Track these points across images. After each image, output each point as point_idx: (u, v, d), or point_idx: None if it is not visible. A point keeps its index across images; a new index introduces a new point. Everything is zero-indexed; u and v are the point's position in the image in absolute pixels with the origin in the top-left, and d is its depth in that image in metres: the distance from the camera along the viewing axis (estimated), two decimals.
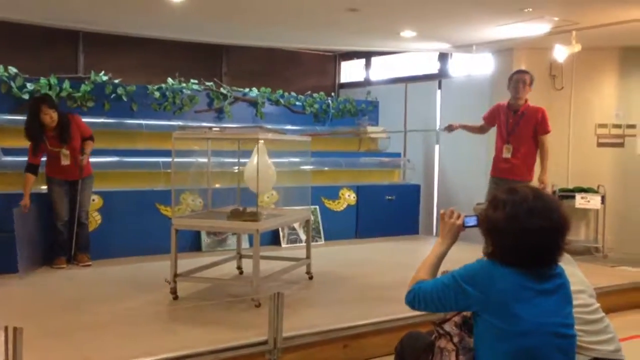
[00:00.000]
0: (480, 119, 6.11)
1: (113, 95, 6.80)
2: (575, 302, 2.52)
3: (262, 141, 4.65)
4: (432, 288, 2.16)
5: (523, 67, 6.26)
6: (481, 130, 6.14)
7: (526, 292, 2.03)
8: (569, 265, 2.68)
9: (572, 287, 2.55)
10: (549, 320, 2.04)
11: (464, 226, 2.35)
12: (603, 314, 2.61)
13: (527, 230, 2.04)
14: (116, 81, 6.89)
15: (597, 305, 2.62)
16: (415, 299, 2.20)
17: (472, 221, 2.33)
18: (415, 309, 2.23)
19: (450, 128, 6.15)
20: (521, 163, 5.68)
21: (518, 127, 5.67)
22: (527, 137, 5.68)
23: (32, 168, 5.43)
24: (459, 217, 2.36)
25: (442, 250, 2.34)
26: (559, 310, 2.09)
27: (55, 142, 5.55)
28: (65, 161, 5.57)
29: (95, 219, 5.95)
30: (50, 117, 5.47)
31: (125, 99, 6.87)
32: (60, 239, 5.58)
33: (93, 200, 5.90)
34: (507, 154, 5.68)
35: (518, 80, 5.65)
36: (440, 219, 2.42)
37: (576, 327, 2.47)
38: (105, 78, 6.84)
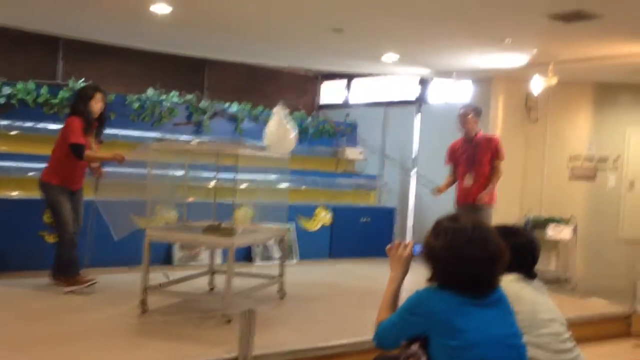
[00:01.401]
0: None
1: None
2: (546, 330, 2.55)
3: (280, 105, 4.69)
4: (388, 327, 2.28)
5: (500, 97, 6.44)
6: (454, 177, 6.35)
7: (465, 307, 2.11)
8: (541, 294, 2.70)
9: (543, 316, 2.59)
10: (495, 331, 2.12)
11: (414, 254, 2.39)
12: (574, 344, 2.63)
13: (464, 259, 2.12)
14: None
15: (569, 334, 2.64)
16: (380, 340, 2.32)
17: (421, 249, 2.37)
18: (387, 349, 2.35)
19: (438, 192, 6.32)
20: (477, 190, 5.97)
21: (477, 156, 6.04)
22: (485, 164, 6.04)
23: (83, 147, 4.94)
24: (406, 247, 2.43)
25: (396, 286, 2.42)
26: (503, 321, 2.17)
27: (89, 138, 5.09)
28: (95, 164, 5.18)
29: None
30: (100, 107, 5.11)
31: None
32: (74, 253, 5.02)
33: None
34: (469, 182, 6.01)
35: (460, 116, 6.05)
36: (388, 254, 2.46)
37: (547, 354, 2.50)
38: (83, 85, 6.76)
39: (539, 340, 2.52)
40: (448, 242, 2.15)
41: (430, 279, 2.21)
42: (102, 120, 5.25)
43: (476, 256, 2.12)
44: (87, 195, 5.58)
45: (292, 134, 4.95)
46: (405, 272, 2.43)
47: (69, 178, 5.06)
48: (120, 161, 5.08)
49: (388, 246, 2.47)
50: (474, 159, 6.04)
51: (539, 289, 2.73)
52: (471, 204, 5.95)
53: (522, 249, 2.69)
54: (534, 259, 2.75)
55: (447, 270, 2.15)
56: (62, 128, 5.08)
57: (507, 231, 2.73)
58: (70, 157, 4.96)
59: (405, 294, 2.33)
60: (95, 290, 4.95)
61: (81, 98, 5.10)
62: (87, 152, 4.99)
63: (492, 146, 6.05)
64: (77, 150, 4.93)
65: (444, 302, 2.11)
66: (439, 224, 2.24)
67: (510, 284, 2.61)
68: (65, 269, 4.98)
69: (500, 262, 2.18)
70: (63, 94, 6.52)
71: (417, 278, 2.48)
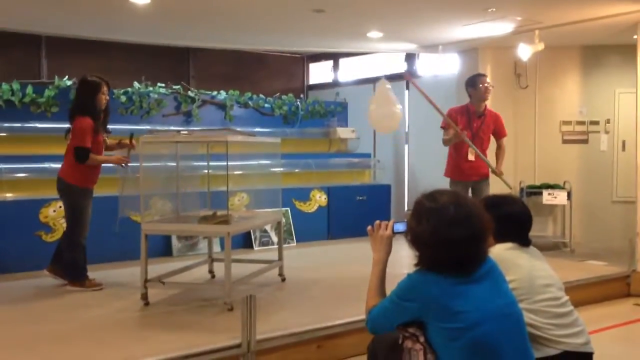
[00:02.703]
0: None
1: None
2: (544, 296, 2.58)
3: (384, 80, 4.57)
4: (379, 314, 2.27)
5: (488, 67, 6.37)
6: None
7: (459, 287, 2.10)
8: (537, 260, 2.72)
9: (541, 281, 2.61)
10: (490, 304, 2.11)
11: (394, 233, 2.39)
12: (572, 307, 2.65)
13: (450, 241, 2.09)
14: None
15: (566, 298, 2.65)
16: (373, 327, 2.32)
17: (402, 227, 2.38)
18: (379, 334, 2.35)
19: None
20: (482, 164, 5.75)
21: (481, 130, 5.79)
22: (486, 139, 5.87)
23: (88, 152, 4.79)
24: (387, 227, 2.42)
25: (380, 269, 2.41)
26: (496, 292, 2.17)
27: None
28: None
29: (62, 226, 5.83)
30: (106, 99, 4.96)
31: None
32: (83, 256, 4.97)
33: (60, 207, 5.79)
34: (471, 157, 5.72)
35: (487, 87, 5.73)
36: (369, 236, 2.45)
37: (546, 320, 2.52)
38: (69, 83, 6.71)
39: (536, 306, 2.54)
40: (431, 226, 2.12)
41: (418, 264, 2.19)
42: (107, 111, 5.09)
43: (461, 236, 2.09)
44: None
45: (398, 108, 4.85)
46: (388, 253, 2.42)
47: (92, 179, 4.97)
48: (125, 164, 5.00)
49: (368, 227, 2.46)
50: (479, 132, 5.77)
51: (535, 255, 2.74)
52: (475, 181, 5.75)
53: (514, 218, 2.71)
54: (527, 227, 2.76)
55: (434, 254, 2.13)
56: (73, 128, 4.85)
57: (497, 201, 2.75)
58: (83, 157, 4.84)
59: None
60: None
61: (88, 94, 4.89)
62: (92, 156, 4.83)
63: (499, 123, 5.88)
64: (80, 155, 4.79)
65: (438, 285, 2.10)
66: (419, 205, 2.20)
67: (505, 252, 2.63)
68: (74, 273, 4.95)
69: (486, 236, 2.17)
70: (49, 92, 6.48)
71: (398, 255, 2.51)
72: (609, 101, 7.16)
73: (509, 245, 2.68)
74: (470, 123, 5.75)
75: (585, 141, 7.26)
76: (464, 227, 2.11)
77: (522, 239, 2.72)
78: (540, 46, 6.08)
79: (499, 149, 5.96)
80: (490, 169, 5.76)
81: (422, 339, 2.17)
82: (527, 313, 2.44)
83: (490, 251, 2.47)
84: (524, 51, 6.25)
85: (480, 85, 5.73)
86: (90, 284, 4.93)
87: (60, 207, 5.82)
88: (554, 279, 2.68)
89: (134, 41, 7.30)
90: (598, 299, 5.39)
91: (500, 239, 2.62)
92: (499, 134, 5.93)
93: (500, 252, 2.58)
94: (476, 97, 5.77)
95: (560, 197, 6.82)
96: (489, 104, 5.98)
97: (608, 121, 7.17)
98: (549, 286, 2.62)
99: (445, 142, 5.82)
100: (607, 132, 7.19)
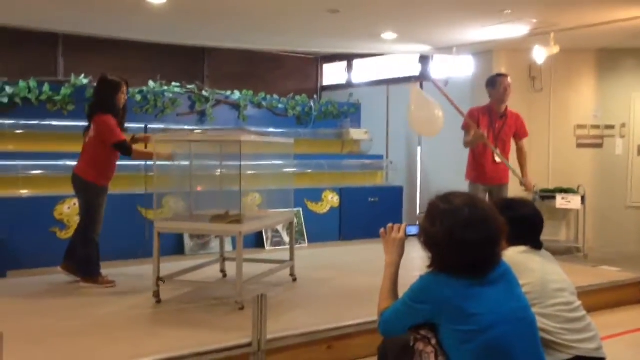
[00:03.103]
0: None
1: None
2: (557, 301, 2.56)
3: (417, 86, 4.58)
4: (392, 316, 2.27)
5: (503, 69, 6.31)
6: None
7: (473, 289, 2.09)
8: (550, 264, 2.71)
9: (554, 286, 2.60)
10: (504, 307, 2.10)
11: (406, 235, 2.39)
12: (584, 312, 2.64)
13: (464, 243, 2.09)
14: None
15: (579, 303, 2.64)
16: (385, 329, 2.32)
17: (415, 230, 2.38)
18: (391, 336, 2.34)
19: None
20: (505, 168, 5.63)
21: (503, 131, 5.65)
22: (508, 141, 5.71)
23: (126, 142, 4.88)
24: (399, 230, 2.42)
25: (393, 271, 2.41)
26: (510, 295, 2.16)
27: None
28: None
29: (76, 223, 5.86)
30: (125, 99, 5.04)
31: None
32: (97, 253, 5.01)
33: (74, 204, 5.84)
34: (498, 159, 5.54)
35: (507, 87, 5.59)
36: (381, 238, 2.45)
37: (559, 325, 2.51)
38: (85, 81, 6.77)
39: (549, 311, 2.53)
40: (445, 228, 2.11)
41: (431, 266, 2.19)
42: (125, 110, 5.14)
43: (476, 239, 2.09)
44: None
45: (438, 110, 4.83)
46: (400, 255, 2.42)
47: (108, 176, 5.01)
48: (170, 159, 4.97)
49: (381, 230, 2.46)
50: (500, 133, 5.62)
51: (547, 259, 2.73)
52: (497, 185, 5.60)
53: (526, 221, 2.70)
54: (539, 229, 2.75)
55: (448, 256, 2.12)
56: (96, 126, 4.88)
57: (509, 204, 2.74)
58: (108, 155, 4.91)
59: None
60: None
61: (109, 92, 4.94)
62: (135, 149, 4.92)
63: (520, 123, 5.73)
64: (124, 149, 4.86)
65: (451, 287, 2.09)
66: (434, 206, 2.20)
67: (518, 256, 2.62)
68: (88, 269, 4.98)
69: (501, 239, 2.16)
70: (65, 90, 6.54)
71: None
72: (624, 105, 7.10)
73: (522, 248, 2.67)
74: (493, 124, 5.62)
75: (600, 145, 7.21)
76: (478, 230, 2.10)
77: (534, 242, 2.71)
78: (556, 49, 6.05)
79: (520, 152, 5.77)
80: (518, 180, 5.62)
81: (433, 342, 2.16)
82: (540, 317, 2.43)
83: (504, 254, 2.47)
84: (539, 54, 6.22)
85: (500, 86, 5.60)
86: (103, 280, 4.97)
87: (75, 204, 5.87)
88: (567, 283, 2.67)
89: (150, 40, 7.35)
90: (611, 305, 5.34)
91: (513, 242, 2.61)
92: (520, 134, 5.75)
93: (513, 256, 2.57)
94: (495, 98, 5.64)
95: (574, 202, 6.77)
96: None
97: (623, 125, 7.12)
98: (562, 290, 2.61)
99: (466, 144, 5.69)
100: (622, 137, 7.14)
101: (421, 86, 8.48)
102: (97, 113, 4.88)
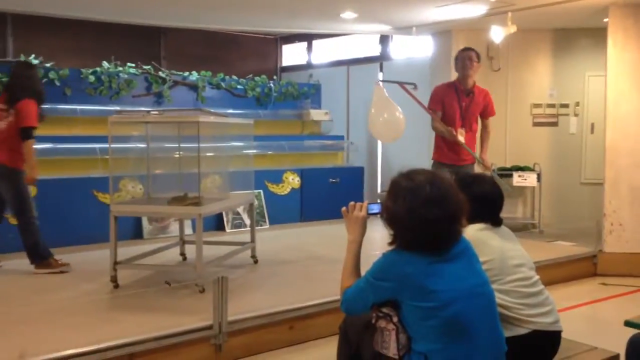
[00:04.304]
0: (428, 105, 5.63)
1: (45, 79, 6.51)
2: (515, 276, 2.59)
3: (380, 84, 4.43)
4: (354, 294, 2.27)
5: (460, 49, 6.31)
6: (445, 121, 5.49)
7: (434, 266, 2.11)
8: (509, 241, 2.73)
9: (513, 262, 2.62)
10: (464, 284, 2.13)
11: (368, 213, 2.40)
12: (542, 286, 2.68)
13: (425, 219, 2.10)
14: (48, 65, 6.62)
15: (537, 277, 2.68)
16: (348, 308, 2.32)
17: (376, 208, 2.39)
18: (354, 314, 2.35)
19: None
20: (471, 146, 5.50)
21: (470, 109, 5.43)
22: (475, 120, 5.52)
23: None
24: (361, 208, 2.42)
25: (355, 248, 2.41)
26: (470, 271, 2.19)
27: None
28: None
29: None
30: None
31: (58, 83, 6.59)
32: (41, 236, 4.89)
33: None
34: (461, 138, 5.35)
35: (465, 58, 5.35)
36: (343, 216, 2.45)
37: (517, 300, 2.55)
38: (36, 62, 6.55)
39: (508, 287, 2.57)
40: (407, 205, 2.12)
41: (392, 242, 2.20)
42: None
43: (436, 216, 2.10)
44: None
45: (400, 113, 4.70)
46: (362, 234, 2.42)
47: (23, 160, 4.86)
48: (30, 183, 4.89)
49: (343, 208, 2.46)
50: (467, 111, 5.39)
51: (507, 236, 2.76)
52: (463, 166, 5.38)
53: (485, 198, 2.71)
54: (498, 206, 2.77)
55: (409, 232, 2.13)
56: (19, 111, 4.74)
57: (468, 182, 2.75)
58: (19, 139, 4.76)
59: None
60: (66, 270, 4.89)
61: (35, 78, 4.91)
62: (30, 143, 4.78)
63: (487, 100, 5.49)
64: (29, 134, 4.74)
65: (413, 264, 2.11)
66: (396, 184, 2.21)
67: (477, 233, 2.64)
68: (39, 254, 4.86)
69: (461, 216, 2.17)
70: None
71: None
72: (579, 84, 7.23)
73: (481, 225, 2.69)
74: (459, 102, 5.39)
75: (555, 124, 7.34)
76: (439, 207, 2.11)
77: (494, 219, 2.73)
78: (513, 29, 6.10)
79: (485, 130, 5.57)
80: (476, 161, 5.48)
81: (395, 319, 2.18)
82: (498, 294, 2.46)
83: (464, 232, 2.49)
84: (497, 33, 6.27)
85: (459, 61, 5.40)
86: (57, 264, 4.86)
87: None
88: (526, 259, 2.71)
89: (104, 20, 7.13)
90: (566, 279, 5.49)
91: (472, 219, 2.63)
92: (488, 112, 5.53)
93: (474, 233, 2.59)
94: (458, 73, 5.45)
95: (530, 179, 6.90)
96: None
97: (577, 104, 7.26)
98: (521, 266, 2.64)
99: (435, 129, 5.49)
100: (576, 115, 7.28)
101: (380, 68, 8.50)
102: (24, 98, 4.77)
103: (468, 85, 5.41)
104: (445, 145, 5.47)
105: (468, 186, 2.64)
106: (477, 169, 5.64)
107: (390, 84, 6.00)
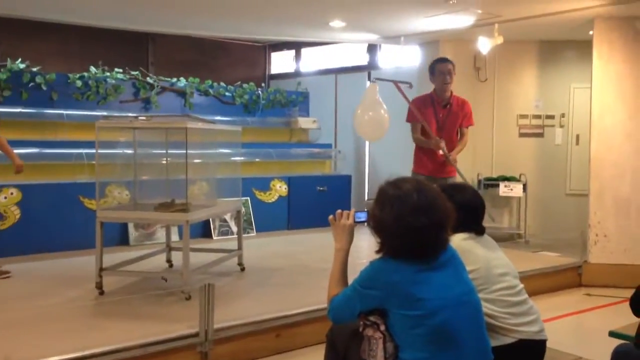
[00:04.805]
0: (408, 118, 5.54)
1: (31, 84, 6.49)
2: (500, 285, 2.60)
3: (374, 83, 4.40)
4: (341, 303, 2.27)
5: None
6: (425, 135, 5.35)
7: (421, 274, 2.12)
8: (493, 249, 2.75)
9: (497, 270, 2.63)
10: (451, 292, 2.14)
11: (355, 221, 2.41)
12: (526, 296, 2.68)
13: (412, 228, 2.11)
14: (34, 69, 6.58)
15: (521, 286, 2.69)
16: (335, 316, 2.31)
17: (363, 216, 2.41)
18: (341, 323, 2.34)
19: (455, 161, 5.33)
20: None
21: (448, 120, 5.31)
22: (455, 131, 5.39)
23: None
24: (349, 216, 2.42)
25: (342, 256, 2.41)
26: (457, 279, 2.20)
27: None
28: None
29: (14, 214, 5.67)
30: None
31: (44, 87, 6.56)
32: None
33: (11, 193, 5.63)
34: (441, 151, 5.19)
35: (445, 72, 5.21)
36: (330, 224, 2.45)
37: (503, 309, 2.55)
38: (22, 66, 6.51)
39: (493, 295, 2.57)
40: (394, 213, 2.13)
41: (380, 251, 2.20)
42: None
43: (423, 223, 2.11)
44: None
45: (386, 117, 4.67)
46: (350, 242, 2.42)
47: None
48: (19, 171, 4.87)
49: (330, 216, 2.46)
50: (445, 123, 5.25)
51: (490, 245, 2.76)
52: (443, 179, 5.13)
53: (468, 206, 2.70)
54: (480, 214, 2.77)
55: (397, 240, 2.14)
56: None
57: (451, 189, 2.76)
58: None
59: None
60: (50, 276, 4.84)
61: None
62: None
63: (466, 110, 5.33)
64: None
65: (400, 272, 2.11)
66: (383, 192, 2.21)
67: (461, 242, 2.64)
68: None
69: (448, 225, 2.18)
70: (1, 75, 6.29)
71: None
72: (564, 96, 7.31)
73: (465, 235, 2.69)
74: (436, 114, 5.27)
75: (541, 135, 7.41)
76: (426, 215, 2.12)
77: (477, 227, 2.73)
78: (500, 40, 6.15)
79: (461, 138, 5.39)
80: (444, 156, 5.23)
81: (382, 328, 2.18)
82: (485, 303, 2.47)
83: (451, 241, 2.49)
84: (484, 44, 6.33)
85: (438, 74, 5.23)
86: None
87: (12, 193, 5.66)
88: (510, 267, 2.71)
89: (91, 24, 7.10)
90: (551, 289, 5.53)
91: (455, 229, 2.63)
92: (465, 122, 5.38)
93: (459, 243, 2.60)
94: (436, 86, 5.31)
95: (516, 190, 6.95)
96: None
97: (563, 115, 7.33)
98: (505, 275, 2.65)
99: (416, 141, 5.37)
100: (562, 126, 7.35)
101: (368, 77, 8.54)
102: None
103: (445, 96, 5.29)
104: (424, 157, 5.37)
105: (450, 196, 2.66)
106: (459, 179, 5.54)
107: (384, 83, 5.99)
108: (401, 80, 5.56)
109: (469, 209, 2.71)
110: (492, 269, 2.62)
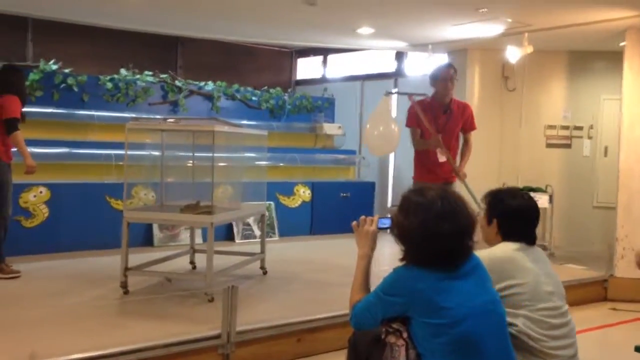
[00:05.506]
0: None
1: (63, 85, 6.61)
2: (546, 305, 2.46)
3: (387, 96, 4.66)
4: (363, 309, 2.25)
5: (477, 68, 6.33)
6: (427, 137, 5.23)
7: (445, 282, 2.10)
8: (543, 263, 2.57)
9: (546, 288, 2.49)
10: (475, 301, 2.11)
11: (378, 228, 2.40)
12: (570, 317, 2.55)
13: (436, 235, 2.10)
14: (66, 71, 6.70)
15: (566, 307, 2.55)
16: (357, 323, 2.29)
17: (387, 223, 2.40)
18: (364, 329, 2.31)
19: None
20: (450, 167, 5.15)
21: (448, 125, 5.14)
22: (455, 135, 5.23)
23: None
24: (372, 222, 2.41)
25: (366, 263, 2.39)
26: (481, 289, 2.17)
27: None
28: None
29: (42, 212, 5.77)
30: None
31: (75, 89, 6.68)
32: (4, 238, 4.85)
33: (40, 192, 5.73)
34: (442, 158, 5.06)
35: (447, 79, 5.05)
36: (354, 230, 2.44)
37: (543, 332, 2.43)
38: (55, 67, 6.64)
39: (537, 315, 2.44)
40: (419, 220, 2.13)
41: (404, 259, 2.19)
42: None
43: (447, 231, 2.10)
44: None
45: (396, 131, 4.68)
46: (373, 248, 2.41)
47: (9, 153, 4.87)
48: (30, 172, 4.88)
49: (353, 223, 2.45)
50: (445, 128, 5.10)
51: (541, 258, 2.60)
52: (442, 184, 4.88)
53: (520, 213, 2.59)
54: (534, 223, 2.62)
55: (421, 248, 2.13)
56: (2, 105, 4.79)
57: (502, 195, 2.67)
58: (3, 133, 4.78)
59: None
60: (76, 274, 4.91)
61: (19, 77, 4.99)
62: (18, 134, 4.80)
63: (467, 115, 5.21)
64: (14, 125, 4.76)
65: (423, 280, 2.10)
66: (407, 200, 2.21)
67: (514, 253, 2.52)
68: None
69: (472, 231, 2.17)
70: (34, 76, 6.41)
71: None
72: (593, 107, 7.22)
73: (516, 245, 2.54)
74: (436, 119, 5.11)
75: (569, 146, 7.32)
76: (450, 222, 2.11)
77: (528, 237, 2.59)
78: (529, 49, 6.11)
79: (466, 145, 5.25)
80: (453, 171, 5.15)
81: (405, 335, 2.17)
82: (526, 321, 2.39)
83: (494, 250, 2.45)
84: (513, 54, 6.29)
85: (440, 82, 5.08)
86: (8, 269, 4.80)
87: (41, 192, 5.76)
88: (558, 287, 2.56)
89: (122, 27, 7.22)
90: (576, 302, 5.42)
91: (506, 236, 2.55)
92: (467, 127, 5.23)
93: (509, 253, 2.50)
94: (437, 92, 5.16)
95: (542, 201, 6.87)
96: (475, 103, 5.71)
97: (591, 127, 7.23)
98: (552, 294, 2.50)
99: (417, 145, 5.23)
100: (590, 138, 7.25)
101: (395, 83, 8.53)
102: (6, 93, 4.80)
103: (445, 102, 5.15)
104: (425, 163, 5.23)
105: (501, 200, 2.59)
106: (459, 184, 5.41)
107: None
108: (417, 93, 5.42)
109: (523, 217, 2.58)
110: (541, 285, 2.48)
